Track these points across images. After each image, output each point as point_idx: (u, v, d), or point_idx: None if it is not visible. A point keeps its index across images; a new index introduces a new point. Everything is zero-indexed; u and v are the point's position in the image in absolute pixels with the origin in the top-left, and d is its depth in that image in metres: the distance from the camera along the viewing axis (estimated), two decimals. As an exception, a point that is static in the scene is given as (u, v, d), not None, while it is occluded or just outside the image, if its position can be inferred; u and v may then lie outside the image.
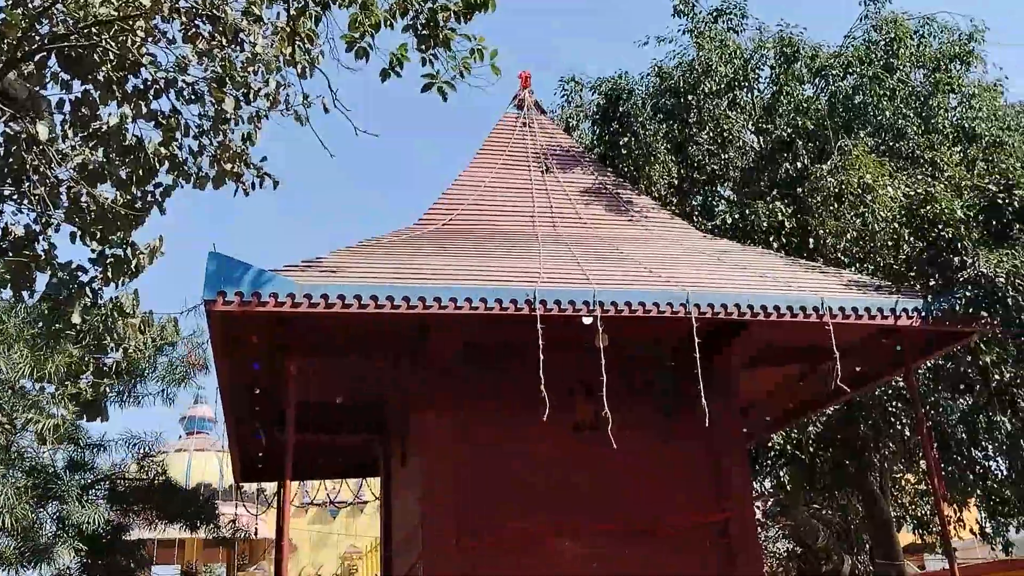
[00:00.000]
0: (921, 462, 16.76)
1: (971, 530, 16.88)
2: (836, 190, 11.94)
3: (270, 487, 15.76)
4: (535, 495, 10.46)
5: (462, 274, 9.19)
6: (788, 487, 17.60)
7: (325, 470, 15.60)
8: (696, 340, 9.14)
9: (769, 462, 17.03)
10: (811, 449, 15.57)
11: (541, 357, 8.60)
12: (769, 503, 23.53)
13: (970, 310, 9.73)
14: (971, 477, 15.39)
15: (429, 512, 10.02)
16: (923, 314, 9.74)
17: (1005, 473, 15.35)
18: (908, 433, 14.28)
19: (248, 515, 16.97)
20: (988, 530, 16.17)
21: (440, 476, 10.12)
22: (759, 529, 23.97)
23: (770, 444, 16.36)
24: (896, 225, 11.49)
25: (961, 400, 14.17)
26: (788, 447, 15.94)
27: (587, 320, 9.13)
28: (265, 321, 8.90)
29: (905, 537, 20.99)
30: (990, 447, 15.14)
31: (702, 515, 10.79)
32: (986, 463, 15.49)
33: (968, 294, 9.70)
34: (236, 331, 9.17)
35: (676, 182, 14.49)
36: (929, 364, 13.72)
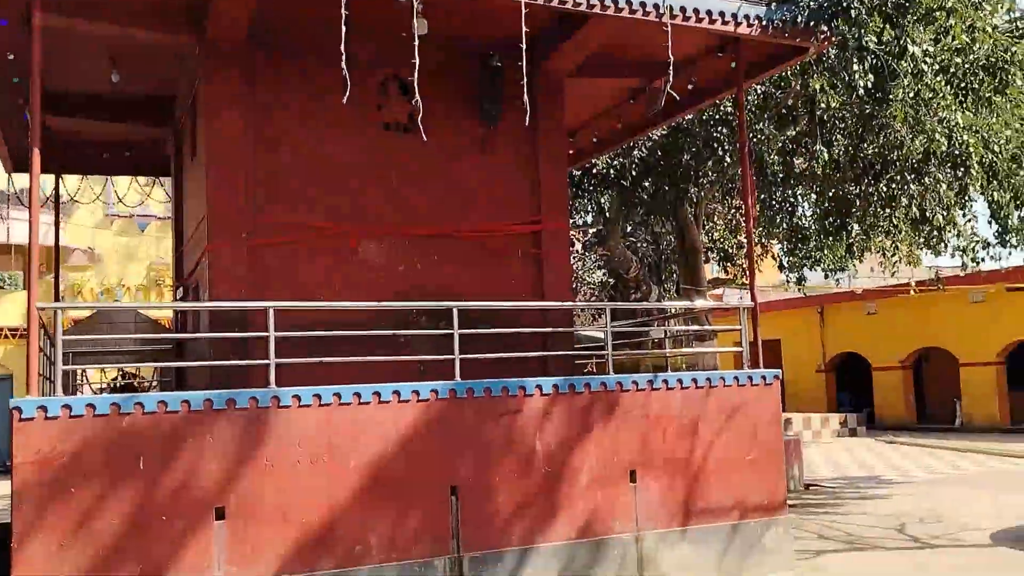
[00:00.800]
0: (736, 200, 17.08)
1: (772, 256, 17.71)
2: None
3: (65, 190, 14.02)
4: (338, 194, 9.66)
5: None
6: (608, 213, 17.62)
7: (111, 166, 14.04)
8: (525, 31, 8.15)
9: (591, 187, 16.85)
10: (633, 174, 15.39)
11: (344, 30, 7.38)
12: (588, 235, 23.98)
13: (811, 23, 9.25)
14: (780, 213, 15.85)
15: (215, 205, 9.07)
16: (764, 23, 9.17)
17: (811, 213, 15.86)
18: (729, 161, 14.22)
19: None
20: (786, 264, 16.90)
21: (228, 166, 9.09)
22: (577, 260, 24.71)
23: (594, 170, 16.07)
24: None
25: (783, 138, 14.09)
26: (611, 172, 15.71)
27: (400, -7, 7.87)
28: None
29: (709, 274, 21.99)
30: (800, 188, 15.48)
31: (515, 225, 10.37)
32: (794, 201, 15.92)
33: (812, 4, 9.15)
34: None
35: None
36: (758, 91, 13.43)
